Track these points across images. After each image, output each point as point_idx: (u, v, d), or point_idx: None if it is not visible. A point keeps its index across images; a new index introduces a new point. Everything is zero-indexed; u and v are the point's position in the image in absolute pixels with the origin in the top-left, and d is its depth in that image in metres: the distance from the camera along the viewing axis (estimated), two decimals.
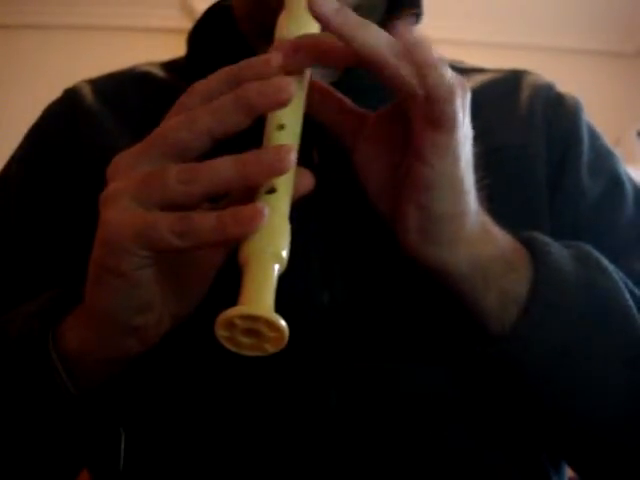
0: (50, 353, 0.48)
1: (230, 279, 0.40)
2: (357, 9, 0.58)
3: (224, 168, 0.40)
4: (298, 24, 0.48)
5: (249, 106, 0.41)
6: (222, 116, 0.41)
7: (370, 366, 0.52)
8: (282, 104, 0.41)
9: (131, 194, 0.41)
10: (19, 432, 0.50)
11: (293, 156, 0.40)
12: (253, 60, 0.43)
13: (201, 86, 0.43)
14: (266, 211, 0.39)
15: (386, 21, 0.62)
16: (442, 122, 0.43)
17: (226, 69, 0.43)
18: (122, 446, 0.51)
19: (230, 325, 0.38)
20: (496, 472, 0.53)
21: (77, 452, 0.51)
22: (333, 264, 0.54)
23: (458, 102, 0.43)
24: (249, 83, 0.41)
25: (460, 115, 0.44)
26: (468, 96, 0.46)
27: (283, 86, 0.41)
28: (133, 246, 0.40)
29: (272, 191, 0.41)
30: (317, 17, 0.43)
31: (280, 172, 0.40)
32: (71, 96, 0.65)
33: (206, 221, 0.39)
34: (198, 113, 0.41)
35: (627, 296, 0.51)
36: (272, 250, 0.39)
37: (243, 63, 0.43)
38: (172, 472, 0.53)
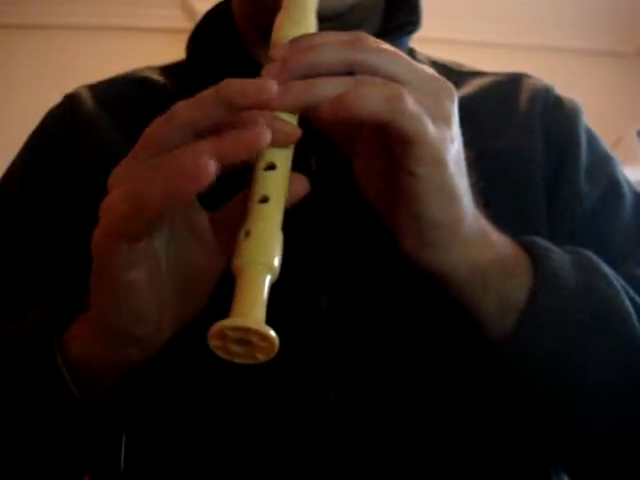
0: (56, 359, 0.48)
1: (230, 287, 0.41)
2: (353, 10, 0.59)
3: (200, 151, 0.39)
4: (296, 25, 0.48)
5: (227, 99, 0.41)
6: (200, 109, 0.41)
7: (368, 366, 0.52)
8: (264, 104, 0.41)
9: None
10: (23, 436, 0.50)
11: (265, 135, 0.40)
12: (271, 118, 0.43)
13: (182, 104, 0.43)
14: (269, 136, 0.39)
15: (383, 29, 0.62)
16: (405, 136, 0.43)
17: (248, 113, 0.43)
18: (122, 448, 0.51)
19: (222, 335, 0.39)
20: (496, 472, 0.53)
21: (80, 456, 0.51)
22: (331, 269, 0.54)
23: (408, 110, 0.42)
24: (231, 82, 0.41)
25: (426, 124, 0.43)
26: (454, 100, 0.46)
27: (266, 87, 0.41)
28: (126, 219, 0.40)
29: (264, 200, 0.42)
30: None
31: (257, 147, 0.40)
32: (71, 102, 0.65)
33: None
34: (176, 110, 0.42)
35: (627, 302, 0.51)
36: (264, 260, 0.40)
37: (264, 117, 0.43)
38: (172, 473, 0.53)
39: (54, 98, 0.68)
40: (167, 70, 0.68)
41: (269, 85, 0.41)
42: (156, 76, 0.67)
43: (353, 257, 0.54)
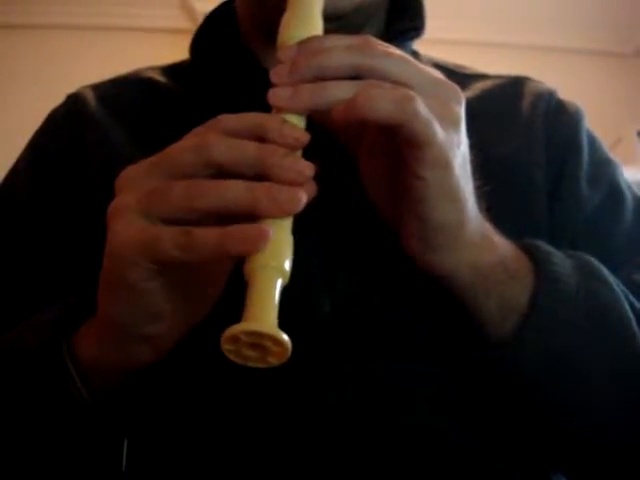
0: (65, 361, 0.48)
1: (237, 287, 0.41)
2: (357, 12, 0.59)
3: (234, 190, 0.40)
4: (302, 26, 0.48)
5: (263, 168, 0.41)
6: (237, 155, 0.41)
7: (368, 365, 0.52)
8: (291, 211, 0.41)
9: (136, 207, 0.41)
10: (29, 436, 0.50)
11: (303, 201, 0.41)
12: (281, 123, 0.43)
13: (226, 122, 0.43)
14: (271, 232, 0.39)
15: (387, 34, 0.62)
16: (415, 139, 0.43)
17: (255, 117, 0.43)
18: (124, 449, 0.51)
19: (235, 340, 0.39)
20: (495, 471, 0.53)
21: (83, 457, 0.51)
22: (334, 271, 0.54)
23: (419, 112, 0.42)
24: (273, 155, 0.42)
25: (435, 127, 0.43)
26: (462, 104, 0.46)
27: (296, 197, 0.41)
28: (139, 259, 0.41)
29: None
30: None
31: (289, 212, 0.41)
32: (75, 102, 0.65)
33: (209, 237, 0.40)
34: (213, 141, 0.42)
35: (627, 308, 0.51)
36: (275, 265, 0.40)
37: (275, 122, 0.43)
38: (173, 473, 0.53)
39: (54, 98, 0.68)
40: (170, 70, 0.68)
41: (300, 196, 0.41)
42: (159, 77, 0.67)
43: (356, 260, 0.54)
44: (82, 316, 0.50)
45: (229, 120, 0.43)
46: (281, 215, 0.41)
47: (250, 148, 0.42)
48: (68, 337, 0.49)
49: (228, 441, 0.52)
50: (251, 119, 0.43)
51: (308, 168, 0.42)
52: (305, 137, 0.43)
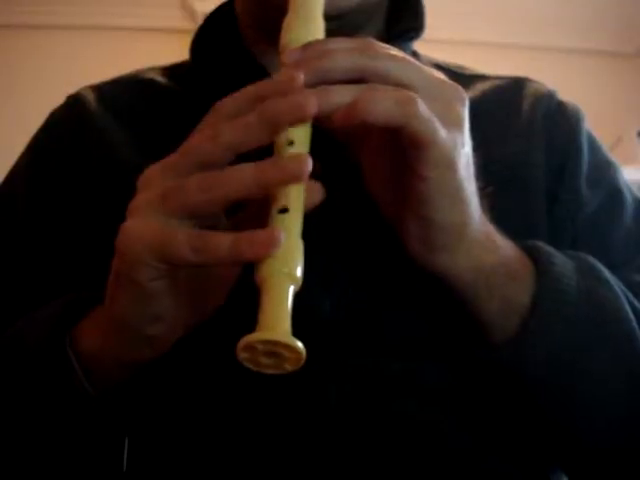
0: (68, 354, 0.48)
1: (240, 290, 0.41)
2: (357, 11, 0.59)
3: (244, 175, 0.41)
4: (305, 27, 0.48)
5: (272, 123, 0.41)
6: (245, 132, 0.42)
7: (368, 362, 0.53)
8: (304, 120, 0.42)
9: (153, 204, 0.42)
10: (32, 432, 0.50)
11: (309, 165, 0.41)
12: (277, 79, 0.43)
13: (225, 105, 0.44)
14: (282, 236, 0.40)
15: (387, 35, 0.62)
16: (417, 140, 0.43)
17: (250, 88, 0.44)
18: (125, 448, 0.51)
19: (251, 348, 0.39)
20: (494, 470, 0.54)
21: (85, 455, 0.51)
22: (334, 271, 0.54)
23: (420, 113, 0.42)
24: (271, 100, 0.42)
25: (437, 128, 0.43)
26: (465, 104, 0.46)
27: (304, 103, 0.41)
28: (149, 257, 0.41)
29: (284, 210, 0.42)
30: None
31: (297, 180, 0.41)
32: (75, 103, 0.65)
33: (222, 240, 0.40)
34: (222, 128, 0.42)
35: (628, 309, 0.51)
36: (287, 271, 0.40)
37: (267, 83, 0.43)
38: (175, 471, 0.53)
39: (54, 98, 0.68)
40: (170, 71, 0.68)
41: (308, 99, 0.41)
42: (160, 77, 0.67)
43: (356, 262, 0.54)
44: (84, 310, 0.50)
45: (227, 103, 0.44)
46: (295, 177, 0.41)
47: (251, 117, 0.42)
48: (70, 330, 0.49)
49: (229, 439, 0.52)
50: (246, 93, 0.43)
51: (306, 98, 0.42)
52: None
